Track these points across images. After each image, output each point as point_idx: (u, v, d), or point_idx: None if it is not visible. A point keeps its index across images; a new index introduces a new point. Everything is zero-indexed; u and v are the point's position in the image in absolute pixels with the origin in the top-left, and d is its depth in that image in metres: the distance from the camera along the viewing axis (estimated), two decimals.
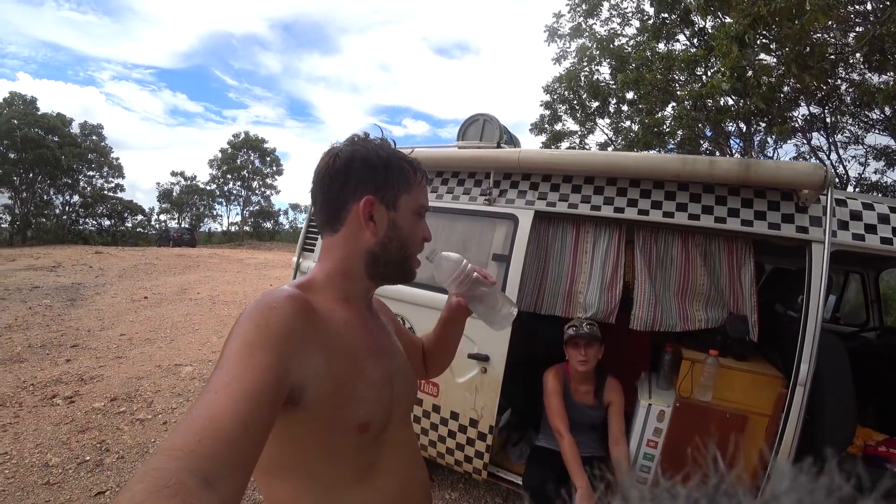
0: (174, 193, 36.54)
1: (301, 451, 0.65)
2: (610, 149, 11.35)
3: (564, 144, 12.02)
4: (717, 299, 2.04)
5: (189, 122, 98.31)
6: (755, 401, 1.82)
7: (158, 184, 36.69)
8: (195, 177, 37.49)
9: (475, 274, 0.87)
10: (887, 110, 7.36)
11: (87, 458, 2.61)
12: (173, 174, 37.47)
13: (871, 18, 5.71)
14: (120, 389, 3.57)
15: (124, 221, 31.63)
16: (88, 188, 29.37)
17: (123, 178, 31.25)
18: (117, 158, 30.89)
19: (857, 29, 5.94)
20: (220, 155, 36.74)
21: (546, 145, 11.92)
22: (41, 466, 2.50)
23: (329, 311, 0.68)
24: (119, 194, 31.13)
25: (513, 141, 2.78)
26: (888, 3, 5.19)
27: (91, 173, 29.54)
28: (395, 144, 0.77)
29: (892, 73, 6.16)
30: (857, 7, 5.85)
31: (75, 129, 28.00)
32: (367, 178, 0.71)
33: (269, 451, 0.62)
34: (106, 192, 30.30)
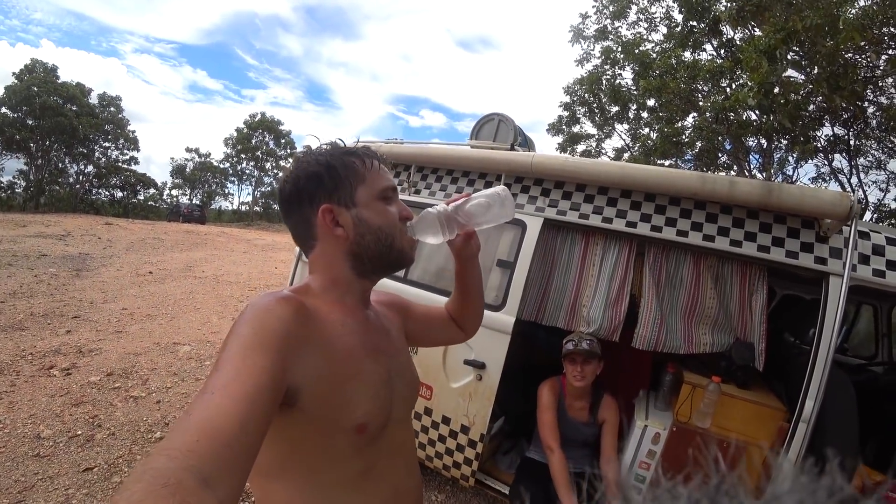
0: (187, 169, 36.80)
1: (298, 452, 0.65)
2: (626, 155, 11.23)
3: (581, 147, 11.92)
4: (724, 324, 1.98)
5: (207, 99, 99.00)
6: (755, 432, 1.76)
7: (173, 159, 37.02)
8: (209, 154, 37.76)
9: (451, 207, 0.82)
10: None
11: (79, 432, 2.62)
12: (188, 150, 37.95)
13: None
14: (117, 364, 3.58)
15: (136, 194, 31.90)
16: (103, 159, 29.59)
17: (138, 150, 31.46)
18: (134, 131, 31.08)
19: (890, 52, 5.77)
20: (235, 134, 36.88)
21: (562, 147, 11.82)
22: (33, 438, 2.51)
23: (325, 313, 0.68)
24: (133, 167, 31.35)
25: (527, 143, 2.72)
26: None
27: (107, 144, 29.72)
28: (342, 143, 0.78)
29: None
30: (892, 29, 5.69)
31: (94, 99, 28.21)
32: (315, 188, 0.72)
33: (267, 453, 0.62)
34: (120, 163, 30.52)
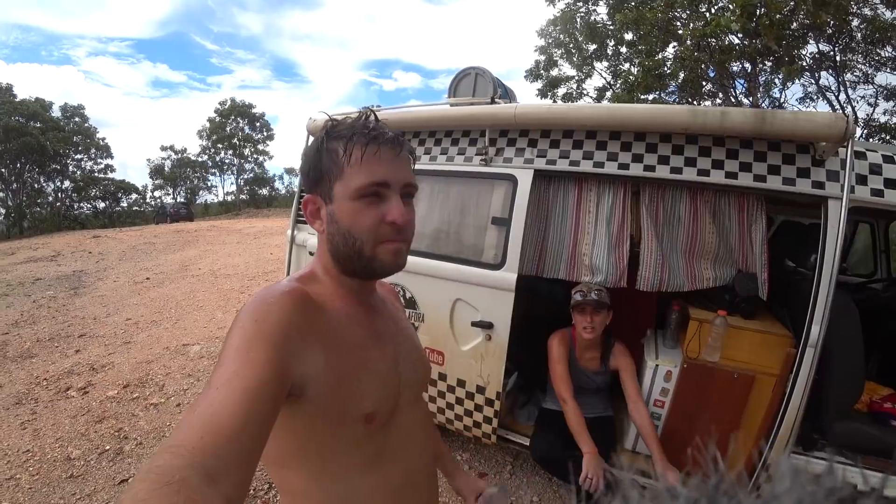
0: (166, 168, 36.06)
1: (309, 442, 0.66)
2: (608, 93, 10.97)
3: (561, 90, 11.63)
4: (725, 257, 1.97)
5: (173, 93, 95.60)
6: (763, 361, 1.78)
7: (149, 160, 36.26)
8: (185, 149, 36.95)
9: None
10: None
11: (107, 447, 2.66)
12: (163, 148, 37.01)
13: None
14: (131, 375, 3.60)
15: (119, 202, 31.43)
16: (78, 172, 28.96)
17: (112, 157, 30.83)
18: (104, 138, 30.36)
19: None
20: (208, 125, 35.89)
21: (542, 92, 11.52)
22: (63, 460, 2.54)
23: (330, 302, 0.68)
24: (110, 175, 30.79)
25: (508, 95, 2.62)
26: None
27: (79, 156, 29.04)
28: (366, 116, 0.67)
29: None
30: None
31: (56, 112, 27.29)
32: (305, 177, 0.70)
33: (279, 443, 0.63)
34: (96, 173, 29.93)
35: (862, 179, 1.63)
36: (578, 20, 10.20)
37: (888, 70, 8.40)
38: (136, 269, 8.22)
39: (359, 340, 0.69)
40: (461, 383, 2.22)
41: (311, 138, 2.87)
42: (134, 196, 32.92)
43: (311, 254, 2.67)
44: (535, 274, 2.20)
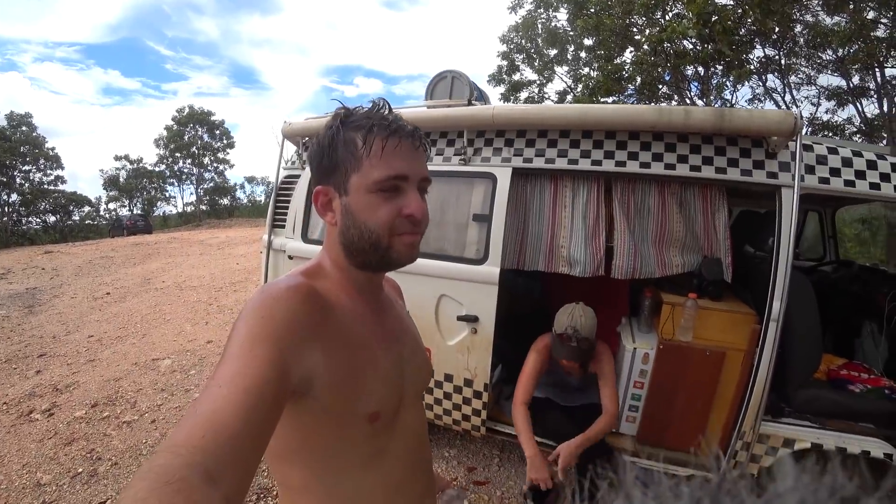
0: (121, 179, 34.32)
1: (312, 439, 0.65)
2: (569, 97, 11.35)
3: (523, 94, 11.94)
4: (692, 244, 2.11)
5: (126, 101, 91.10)
6: (732, 337, 1.93)
7: (102, 170, 34.44)
8: (141, 159, 35.25)
9: None
10: (839, 51, 7.59)
11: (80, 469, 2.53)
12: (117, 158, 35.02)
13: None
14: (99, 394, 3.44)
15: (71, 215, 29.71)
16: (26, 184, 27.19)
17: (63, 168, 29.16)
18: (53, 148, 28.66)
19: None
20: (165, 133, 34.40)
21: (505, 96, 11.80)
22: (33, 487, 2.40)
23: (336, 298, 0.66)
24: (61, 186, 29.03)
25: (483, 97, 2.70)
26: None
27: (26, 167, 27.31)
28: (380, 107, 0.67)
29: (845, 15, 6.31)
30: None
31: (1, 120, 25.61)
32: (317, 167, 0.67)
33: (281, 439, 0.63)
34: (46, 186, 28.16)
35: (810, 169, 1.81)
36: (539, 26, 10.53)
37: (829, 72, 9.19)
38: (95, 284, 7.83)
39: (365, 339, 0.68)
40: (448, 378, 2.27)
41: (287, 142, 2.87)
42: (87, 209, 31.27)
43: (290, 258, 2.65)
44: (517, 267, 2.27)
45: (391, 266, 0.69)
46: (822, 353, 1.98)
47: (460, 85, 2.47)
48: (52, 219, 28.55)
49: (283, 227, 2.73)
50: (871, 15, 6.80)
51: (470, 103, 2.36)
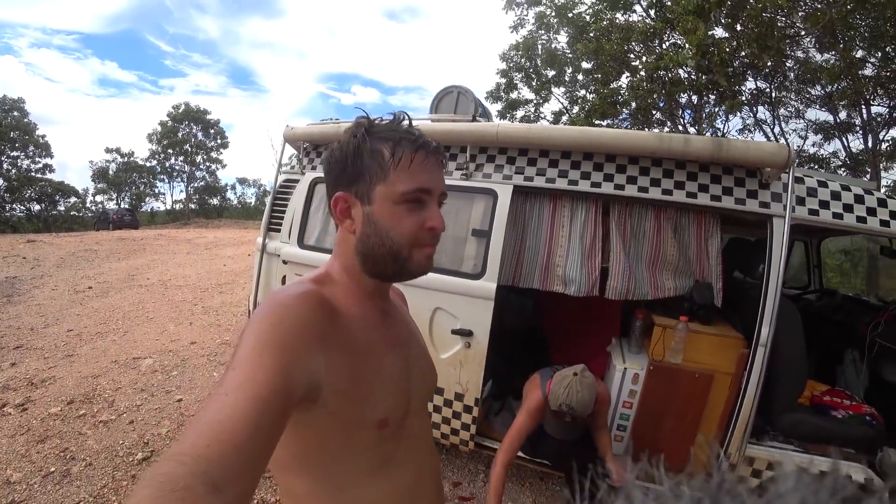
0: (110, 172, 33.75)
1: (320, 447, 0.65)
2: (564, 118, 11.57)
3: (520, 113, 12.15)
4: (684, 269, 2.16)
5: (121, 93, 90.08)
6: (720, 361, 1.98)
7: (92, 162, 33.76)
8: (133, 153, 34.71)
9: None
10: (828, 87, 7.91)
11: (52, 469, 2.44)
12: (108, 151, 34.52)
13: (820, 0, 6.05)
14: (76, 391, 3.34)
15: (56, 205, 29.08)
16: (13, 170, 26.60)
17: (52, 157, 28.63)
18: (43, 136, 28.17)
19: (804, 8, 6.29)
20: (159, 128, 33.99)
21: (502, 114, 11.97)
22: (2, 484, 2.31)
23: (345, 306, 0.67)
24: (48, 175, 28.48)
25: (486, 114, 2.75)
26: None
27: (15, 153, 26.75)
28: (402, 119, 0.69)
29: (835, 53, 6.60)
30: None
31: None
32: (339, 173, 0.68)
33: (289, 448, 0.63)
34: (33, 173, 27.59)
35: (801, 201, 1.88)
36: (540, 47, 10.74)
37: (817, 107, 9.60)
38: (77, 277, 7.64)
39: (373, 345, 0.68)
40: (439, 391, 2.26)
41: (287, 146, 2.88)
42: (73, 200, 30.63)
43: (284, 262, 2.64)
44: (512, 283, 2.29)
45: (406, 276, 0.70)
46: (807, 378, 2.04)
47: (465, 101, 2.51)
48: (36, 207, 27.97)
49: (279, 230, 2.72)
50: (859, 54, 7.13)
51: (474, 119, 2.40)
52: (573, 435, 1.88)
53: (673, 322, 2.04)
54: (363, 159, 0.66)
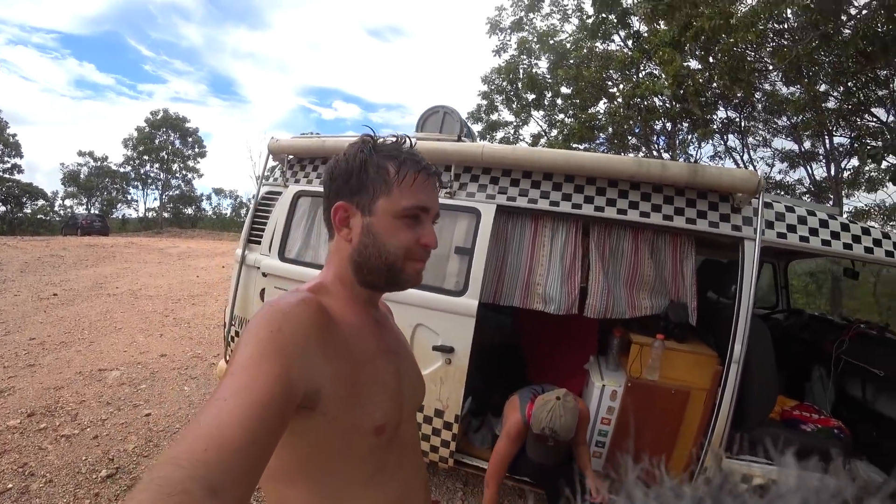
0: (82, 176, 32.76)
1: (317, 454, 0.65)
2: (543, 140, 11.89)
3: (499, 134, 12.46)
4: (660, 288, 2.23)
5: (98, 96, 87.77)
6: (695, 378, 2.04)
7: (63, 164, 32.78)
8: (106, 157, 33.87)
9: None
10: (793, 118, 8.41)
11: (10, 485, 2.31)
12: (81, 154, 33.49)
13: (787, 37, 6.47)
14: (37, 402, 3.19)
15: (22, 207, 27.97)
16: None
17: (21, 157, 27.81)
18: (14, 135, 27.38)
19: (772, 44, 6.71)
20: (136, 134, 33.25)
21: (482, 135, 12.24)
22: None
23: (341, 315, 0.68)
24: (16, 176, 27.43)
25: (471, 134, 2.81)
26: (807, 25, 5.88)
27: None
28: (406, 141, 0.74)
29: (800, 87, 7.04)
30: (776, 26, 6.60)
31: None
32: (343, 184, 0.71)
33: (283, 458, 0.63)
34: (1, 173, 26.49)
35: (770, 224, 1.99)
36: (521, 71, 11.07)
37: (783, 136, 10.20)
38: (42, 283, 7.33)
39: (369, 352, 0.70)
40: (420, 407, 2.24)
41: (270, 157, 2.87)
42: (41, 202, 29.53)
43: (264, 275, 2.60)
44: (493, 301, 2.32)
45: (397, 287, 0.73)
46: (777, 394, 2.11)
47: (451, 121, 2.57)
48: (1, 209, 26.77)
49: (259, 242, 2.69)
50: (822, 88, 7.63)
51: (459, 139, 2.45)
52: (555, 459, 1.87)
53: (650, 340, 2.10)
54: (368, 173, 0.69)
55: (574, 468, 1.91)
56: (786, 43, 6.58)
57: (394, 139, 0.74)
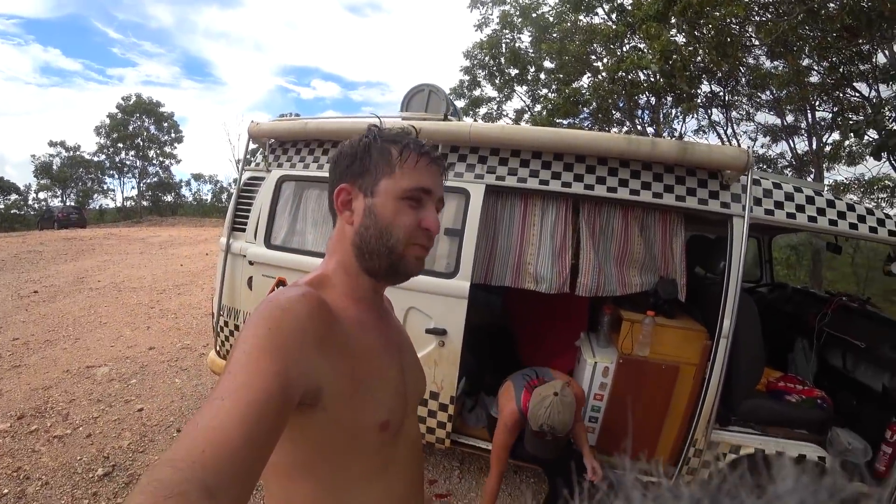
0: (54, 167, 31.49)
1: (323, 451, 0.65)
2: (526, 115, 11.79)
3: (482, 110, 12.33)
4: (650, 265, 2.24)
5: (65, 83, 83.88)
6: (685, 353, 2.08)
7: (34, 156, 31.34)
8: (79, 147, 32.44)
9: None
10: (777, 93, 8.46)
11: (5, 490, 2.27)
12: (52, 144, 32.13)
13: (772, 11, 6.43)
14: (26, 404, 3.12)
15: None
16: None
17: None
18: None
19: (755, 18, 6.68)
20: (108, 121, 31.93)
21: (465, 111, 12.08)
22: None
23: (343, 309, 0.67)
24: None
25: (457, 113, 2.75)
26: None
27: None
28: (410, 132, 0.73)
29: (784, 61, 7.05)
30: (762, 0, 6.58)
31: None
32: (346, 167, 0.71)
33: (289, 453, 0.63)
34: None
35: (758, 201, 2.00)
36: (504, 46, 10.88)
37: (766, 111, 10.28)
38: (20, 280, 7.11)
39: (372, 348, 0.69)
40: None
41: (251, 141, 2.78)
42: (13, 197, 28.52)
43: (250, 263, 2.56)
44: (484, 282, 2.31)
45: (398, 276, 0.71)
46: (764, 366, 2.17)
47: (437, 99, 2.51)
48: None
49: (244, 230, 2.63)
50: (806, 62, 7.65)
51: (446, 118, 2.39)
52: (554, 453, 1.83)
53: (640, 317, 2.12)
54: (372, 155, 0.69)
55: (572, 456, 1.89)
56: (770, 17, 6.56)
57: (401, 129, 0.74)
